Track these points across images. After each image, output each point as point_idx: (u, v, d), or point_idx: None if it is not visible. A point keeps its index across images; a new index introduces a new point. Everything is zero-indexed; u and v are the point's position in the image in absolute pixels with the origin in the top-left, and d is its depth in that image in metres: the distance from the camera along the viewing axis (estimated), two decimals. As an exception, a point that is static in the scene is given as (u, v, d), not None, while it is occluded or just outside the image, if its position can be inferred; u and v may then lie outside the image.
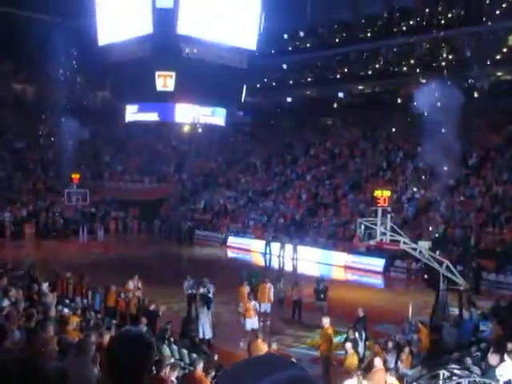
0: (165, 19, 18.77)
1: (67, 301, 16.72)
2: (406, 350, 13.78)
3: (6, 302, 11.62)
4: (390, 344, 14.18)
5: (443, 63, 40.32)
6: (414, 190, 35.60)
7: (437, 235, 30.27)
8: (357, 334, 15.20)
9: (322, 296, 20.41)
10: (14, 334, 7.77)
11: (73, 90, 42.10)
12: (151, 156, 49.99)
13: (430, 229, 31.43)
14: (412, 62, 42.93)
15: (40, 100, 51.76)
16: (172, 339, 14.98)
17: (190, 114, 22.17)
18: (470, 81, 39.65)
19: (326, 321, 15.41)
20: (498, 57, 38.59)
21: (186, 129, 33.26)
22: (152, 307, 17.40)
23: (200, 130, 37.69)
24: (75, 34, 46.36)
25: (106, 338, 9.74)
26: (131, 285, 19.59)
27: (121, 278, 23.90)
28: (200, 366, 10.40)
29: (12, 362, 2.45)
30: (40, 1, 40.84)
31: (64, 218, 40.96)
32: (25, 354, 5.38)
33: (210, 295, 19.52)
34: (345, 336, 15.60)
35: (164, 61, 19.76)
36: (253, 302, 18.75)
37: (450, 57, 40.37)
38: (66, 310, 14.03)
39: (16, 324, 9.08)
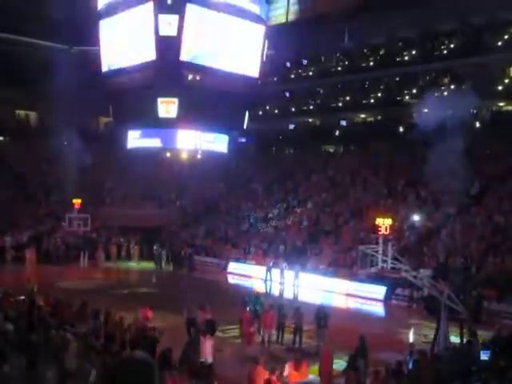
0: (168, 47, 18.98)
1: (68, 326, 16.61)
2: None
3: (9, 326, 11.61)
4: (389, 372, 14.11)
5: (445, 93, 40.55)
6: (415, 218, 35.59)
7: (437, 264, 30.26)
8: (357, 362, 15.13)
9: (322, 323, 20.31)
10: (14, 359, 7.77)
11: (75, 115, 42.30)
12: (153, 182, 50.06)
13: (431, 257, 31.38)
14: (414, 91, 43.18)
15: (42, 126, 52.09)
16: (172, 364, 14.89)
17: (193, 141, 22.30)
18: (471, 110, 39.85)
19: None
20: (499, 87, 38.85)
21: (187, 155, 33.35)
22: (151, 333, 17.34)
23: (199, 157, 37.74)
24: (78, 61, 46.86)
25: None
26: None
27: (121, 304, 23.92)
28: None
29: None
30: (43, 27, 41.23)
31: (65, 243, 40.92)
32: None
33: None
34: (345, 364, 15.53)
35: (167, 87, 19.93)
36: (254, 329, 18.72)
37: (452, 87, 40.61)
38: (66, 335, 13.95)
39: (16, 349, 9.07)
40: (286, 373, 14.16)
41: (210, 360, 16.63)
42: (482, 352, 15.80)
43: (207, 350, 17.05)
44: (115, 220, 45.27)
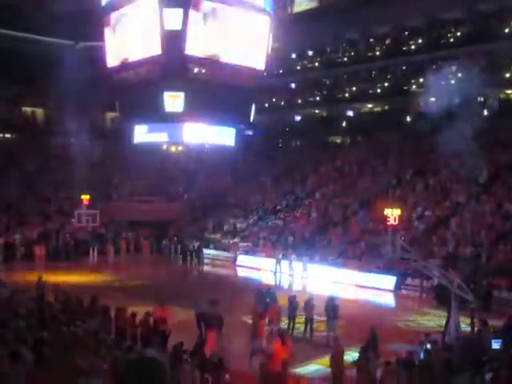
0: (173, 40, 18.92)
1: (79, 322, 16.68)
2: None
3: (21, 324, 11.66)
4: (400, 363, 14.10)
5: (452, 81, 40.34)
6: (424, 207, 35.50)
7: (447, 253, 30.21)
8: (368, 353, 15.11)
9: (332, 314, 20.30)
10: (26, 357, 7.79)
11: (82, 111, 42.36)
12: (160, 176, 50.14)
13: (440, 247, 31.33)
14: (421, 80, 42.97)
15: (49, 122, 52.16)
16: (183, 358, 14.91)
17: (200, 135, 22.25)
18: (479, 98, 39.64)
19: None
20: (507, 75, 38.60)
21: (195, 149, 33.37)
22: (163, 327, 17.39)
23: (207, 150, 37.77)
24: (84, 57, 46.83)
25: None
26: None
27: (132, 299, 23.99)
28: None
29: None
30: (48, 23, 41.23)
31: (74, 239, 41.03)
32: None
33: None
34: (356, 355, 15.52)
35: (172, 81, 19.87)
36: (264, 321, 18.78)
37: (459, 75, 40.37)
38: (77, 331, 13.99)
39: (28, 347, 9.09)
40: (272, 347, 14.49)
41: (219, 354, 16.61)
42: (493, 341, 15.78)
43: (215, 344, 17.12)
44: (124, 215, 45.39)
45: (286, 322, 21.22)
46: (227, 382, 13.30)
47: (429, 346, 15.74)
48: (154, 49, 19.52)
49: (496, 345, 15.62)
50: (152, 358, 3.05)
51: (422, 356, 15.21)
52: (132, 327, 18.50)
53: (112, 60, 22.07)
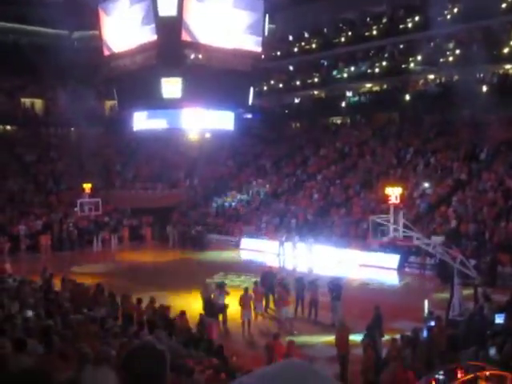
0: (168, 27, 18.91)
1: (85, 309, 16.81)
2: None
3: (29, 313, 11.75)
4: (404, 340, 14.22)
5: (451, 58, 40.21)
6: (426, 186, 35.52)
7: (449, 230, 30.29)
8: (373, 332, 15.24)
9: (334, 294, 20.41)
10: (33, 346, 7.88)
11: (80, 100, 42.28)
12: (162, 163, 50.16)
13: (442, 224, 31.40)
14: (419, 58, 42.81)
15: (49, 113, 52.14)
16: (190, 343, 15.06)
17: (198, 120, 22.29)
18: (478, 75, 39.48)
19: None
20: (505, 50, 38.38)
21: (195, 135, 33.37)
22: (169, 313, 17.53)
23: (208, 136, 37.78)
24: (81, 45, 46.77)
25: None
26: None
27: (137, 285, 24.14)
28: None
29: (25, 374, 2.48)
30: (44, 14, 41.13)
31: (78, 229, 41.14)
32: (39, 366, 5.44)
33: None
34: (361, 334, 15.64)
35: (169, 68, 19.88)
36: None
37: (458, 52, 40.21)
38: (84, 319, 14.10)
39: (36, 336, 9.19)
40: None
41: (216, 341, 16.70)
42: (496, 316, 15.88)
43: (216, 330, 17.42)
44: (126, 203, 45.48)
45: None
46: (234, 362, 13.42)
47: (433, 322, 15.86)
48: (150, 35, 19.53)
49: (500, 319, 15.72)
50: (152, 347, 3.10)
51: (426, 333, 15.33)
52: (138, 313, 18.66)
53: (109, 48, 22.08)
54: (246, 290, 20.59)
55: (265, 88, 51.35)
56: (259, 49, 21.77)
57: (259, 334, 19.62)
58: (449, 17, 40.54)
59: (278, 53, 50.48)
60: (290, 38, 52.20)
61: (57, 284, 22.02)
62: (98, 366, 7.00)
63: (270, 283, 22.37)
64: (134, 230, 43.58)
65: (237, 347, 17.39)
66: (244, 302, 19.90)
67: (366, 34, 46.72)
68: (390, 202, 19.93)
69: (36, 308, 13.55)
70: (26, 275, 23.27)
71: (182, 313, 17.22)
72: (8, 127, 52.57)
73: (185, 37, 19.22)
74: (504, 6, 37.65)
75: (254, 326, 20.08)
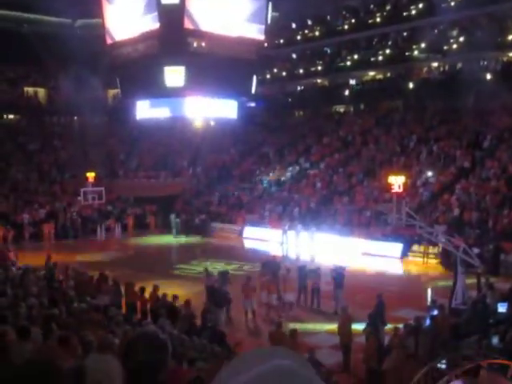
0: (171, 15, 18.86)
1: (89, 298, 16.87)
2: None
3: (33, 301, 11.78)
4: (407, 329, 14.26)
5: (454, 46, 40.06)
6: (429, 174, 35.48)
7: (452, 218, 30.25)
8: (376, 321, 15.27)
9: (339, 283, 20.44)
10: (36, 335, 7.90)
11: (84, 89, 42.23)
12: (165, 152, 50.15)
13: (445, 213, 31.37)
14: (423, 45, 42.64)
15: (51, 101, 52.14)
16: (193, 331, 15.11)
17: (201, 108, 22.27)
18: (482, 63, 39.34)
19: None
20: (510, 38, 38.19)
21: (198, 123, 33.37)
22: (172, 301, 17.57)
23: (212, 123, 37.77)
24: (84, 34, 46.67)
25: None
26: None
27: (140, 274, 24.19)
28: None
29: (29, 365, 2.50)
30: (47, 3, 41.00)
31: (82, 217, 41.22)
32: (42, 356, 5.46)
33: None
34: (364, 323, 15.67)
35: (172, 56, 19.85)
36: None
37: (462, 39, 40.06)
38: (87, 307, 14.16)
39: (38, 324, 9.22)
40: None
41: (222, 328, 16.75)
42: (499, 304, 15.89)
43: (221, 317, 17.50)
44: (130, 191, 45.57)
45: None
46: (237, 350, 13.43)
47: (436, 311, 15.89)
48: (152, 24, 19.49)
49: (502, 308, 15.74)
50: (154, 335, 3.12)
51: (429, 321, 15.36)
52: (141, 301, 18.73)
53: (111, 37, 22.05)
54: (249, 278, 20.59)
55: (268, 76, 51.26)
56: (262, 37, 21.72)
57: (262, 322, 19.67)
58: (453, 3, 40.29)
59: (281, 41, 50.36)
60: (293, 25, 52.00)
61: (60, 272, 22.07)
62: (101, 354, 7.02)
63: (272, 271, 22.41)
64: (138, 218, 43.66)
65: (239, 335, 17.44)
66: (246, 291, 19.92)
67: (370, 21, 46.53)
68: (393, 191, 19.93)
69: (39, 296, 13.59)
70: (29, 263, 23.32)
71: (187, 301, 17.25)
72: (11, 116, 52.62)
73: (187, 25, 19.19)
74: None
75: (257, 314, 20.13)
